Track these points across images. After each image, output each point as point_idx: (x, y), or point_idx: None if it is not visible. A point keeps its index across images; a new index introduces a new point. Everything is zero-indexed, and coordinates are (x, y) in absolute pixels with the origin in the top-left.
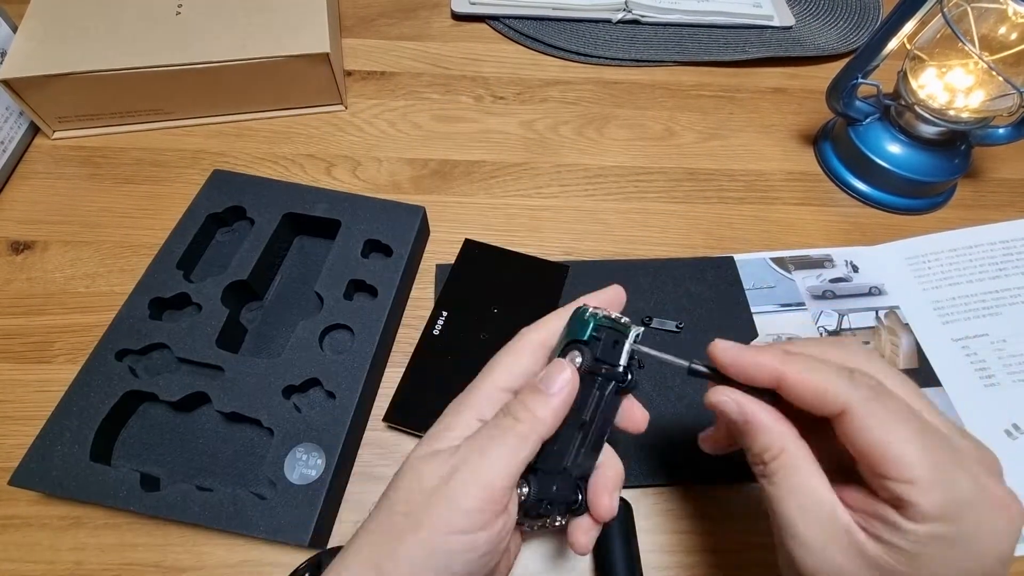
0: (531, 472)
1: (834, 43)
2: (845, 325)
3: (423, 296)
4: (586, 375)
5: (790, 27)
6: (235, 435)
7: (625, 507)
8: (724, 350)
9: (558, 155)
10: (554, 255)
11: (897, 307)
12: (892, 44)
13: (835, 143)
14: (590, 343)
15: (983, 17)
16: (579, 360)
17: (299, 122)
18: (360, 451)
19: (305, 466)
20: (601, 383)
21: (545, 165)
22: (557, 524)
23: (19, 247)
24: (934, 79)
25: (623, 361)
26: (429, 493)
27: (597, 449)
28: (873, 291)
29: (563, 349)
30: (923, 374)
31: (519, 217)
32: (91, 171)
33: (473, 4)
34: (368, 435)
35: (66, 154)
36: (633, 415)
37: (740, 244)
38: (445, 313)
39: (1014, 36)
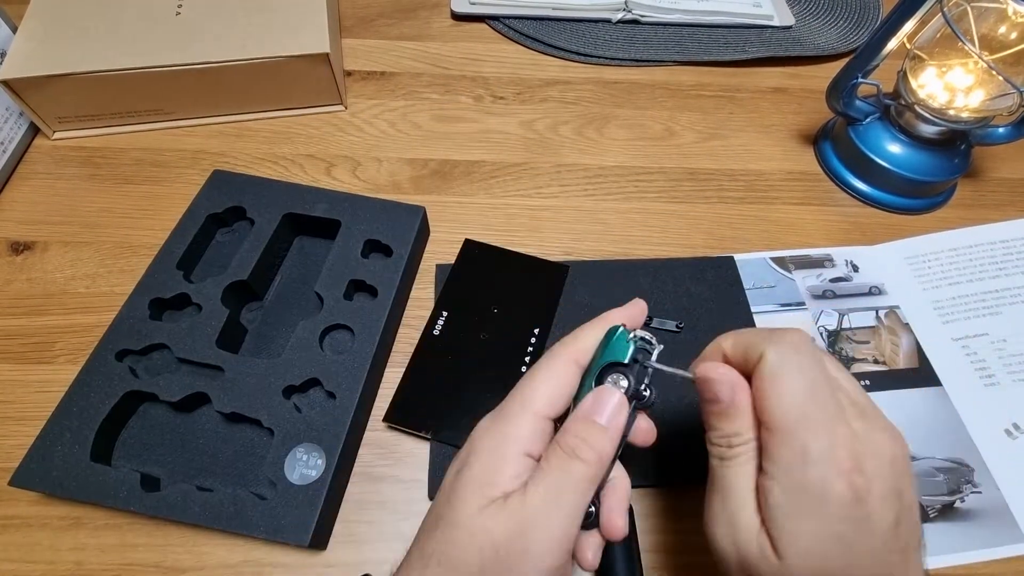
0: None
1: (834, 43)
2: (845, 325)
3: (423, 296)
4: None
5: (790, 27)
6: (235, 435)
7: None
8: (701, 369)
9: (558, 155)
10: (554, 255)
11: (897, 307)
12: (892, 44)
13: (835, 143)
14: (630, 366)
15: (983, 16)
16: (623, 384)
17: (299, 122)
18: (360, 451)
19: (305, 466)
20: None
21: (545, 165)
22: None
23: (19, 247)
24: (934, 79)
25: (647, 380)
26: (505, 552)
27: (612, 465)
28: (873, 291)
29: (601, 371)
30: (923, 374)
31: (519, 217)
32: (91, 171)
33: (473, 4)
34: (368, 435)
35: (66, 154)
36: (642, 429)
37: (740, 244)
38: (445, 313)
39: (1014, 35)
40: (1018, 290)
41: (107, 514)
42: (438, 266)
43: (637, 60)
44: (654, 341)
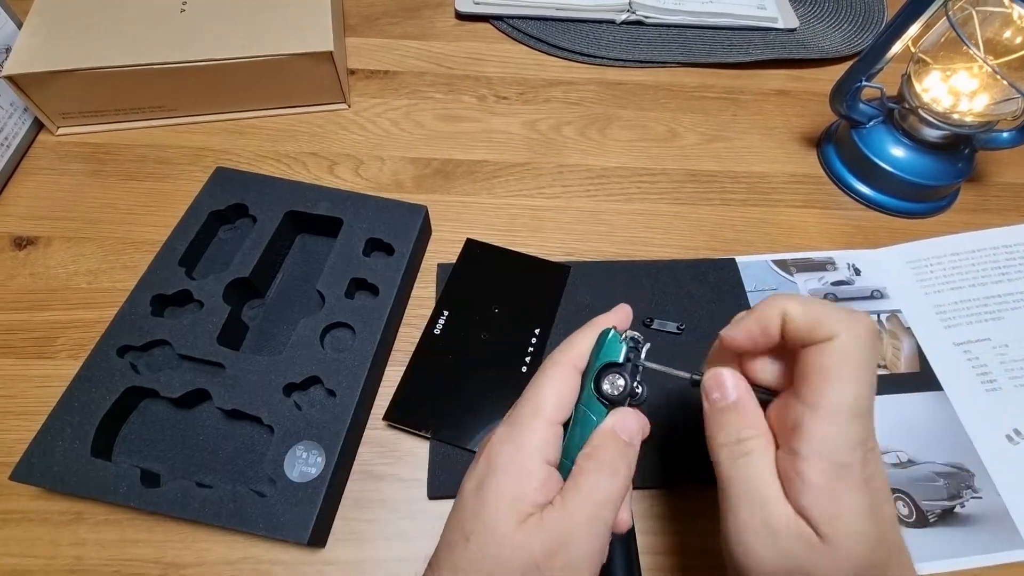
0: None
1: (838, 46)
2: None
3: (424, 295)
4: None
5: (794, 29)
6: (235, 432)
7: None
8: (733, 335)
9: (561, 155)
10: (556, 255)
11: (899, 311)
12: (896, 47)
13: (838, 146)
14: (624, 365)
15: (988, 20)
16: (621, 383)
17: (302, 120)
18: (360, 449)
19: (305, 464)
20: (625, 400)
21: (548, 165)
22: None
23: (22, 243)
24: (938, 82)
25: (638, 377)
26: (547, 567)
27: None
28: (875, 294)
29: (599, 372)
30: (924, 378)
31: (521, 217)
32: (95, 167)
33: (477, 4)
34: (368, 433)
35: (70, 150)
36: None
37: (742, 246)
38: (446, 312)
39: (1019, 40)
40: (1020, 295)
41: (107, 509)
42: (440, 265)
43: (641, 61)
44: (642, 339)
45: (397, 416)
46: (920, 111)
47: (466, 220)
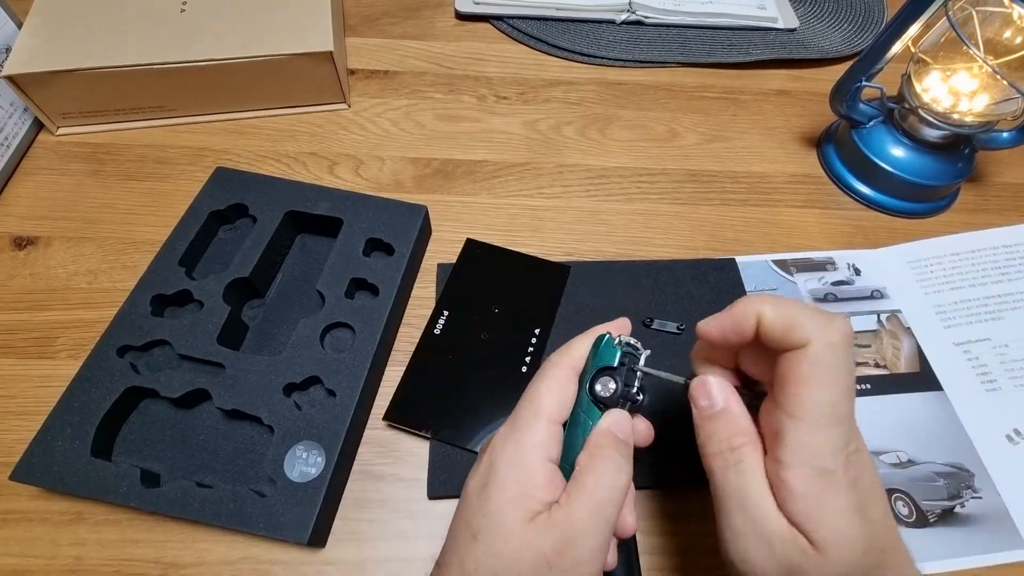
0: None
1: (838, 46)
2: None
3: (424, 295)
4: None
5: (794, 29)
6: (235, 432)
7: None
8: (707, 327)
9: (561, 155)
10: (556, 255)
11: (899, 311)
12: (896, 47)
13: (838, 146)
14: (619, 369)
15: (988, 20)
16: (612, 386)
17: (302, 120)
18: (360, 449)
19: (305, 464)
20: (620, 402)
21: (548, 165)
22: None
23: (22, 243)
24: (938, 82)
25: (637, 383)
26: (557, 563)
27: None
28: (875, 294)
29: (594, 375)
30: (924, 378)
31: (521, 217)
32: (95, 167)
33: (477, 4)
34: (368, 433)
35: (70, 150)
36: (639, 431)
37: (742, 246)
38: (446, 312)
39: (1019, 40)
40: (1020, 295)
41: (107, 509)
42: (440, 265)
43: (641, 61)
44: (640, 346)
45: (397, 416)
46: (920, 111)
47: (466, 220)
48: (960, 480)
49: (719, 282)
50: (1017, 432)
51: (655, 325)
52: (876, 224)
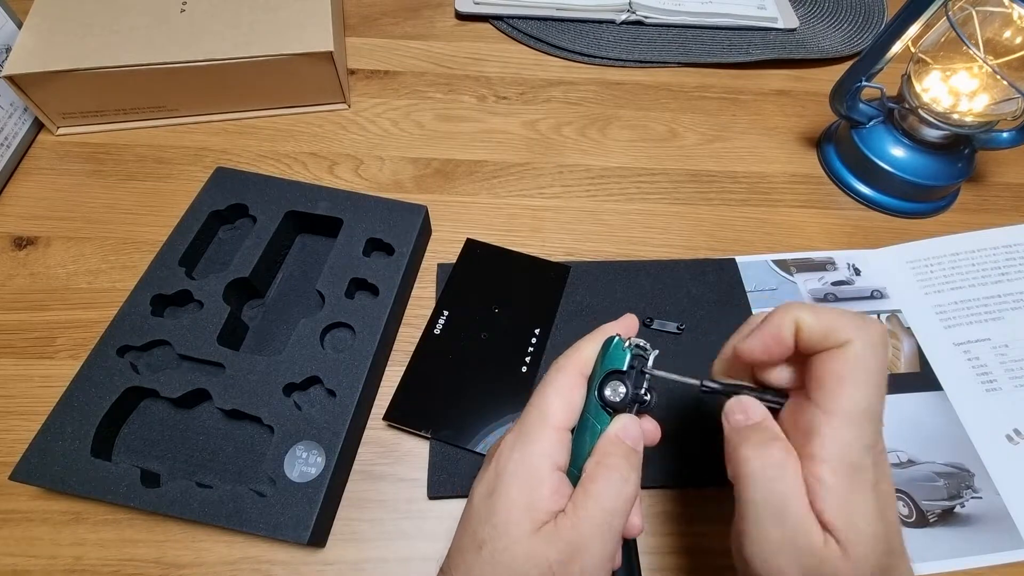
0: None
1: (838, 46)
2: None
3: (424, 295)
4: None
5: (794, 29)
6: (235, 432)
7: None
8: (750, 349)
9: (561, 155)
10: (556, 255)
11: (899, 311)
12: (896, 47)
13: (838, 146)
14: (628, 372)
15: (988, 20)
16: (622, 391)
17: (302, 120)
18: (360, 449)
19: (305, 464)
20: (629, 406)
21: (547, 165)
22: None
23: (22, 243)
24: (938, 82)
25: (646, 384)
26: (563, 573)
27: None
28: (875, 294)
29: (603, 380)
30: (924, 378)
31: (521, 217)
32: (94, 167)
33: (477, 4)
34: (368, 433)
35: (70, 150)
36: (647, 430)
37: (742, 246)
38: (446, 312)
39: (1019, 40)
40: (1020, 295)
41: (107, 509)
42: (439, 265)
43: (641, 61)
44: (649, 347)
45: (397, 416)
46: (920, 111)
47: (466, 220)
48: (960, 480)
49: (719, 282)
50: (1017, 432)
51: (655, 325)
52: (876, 224)
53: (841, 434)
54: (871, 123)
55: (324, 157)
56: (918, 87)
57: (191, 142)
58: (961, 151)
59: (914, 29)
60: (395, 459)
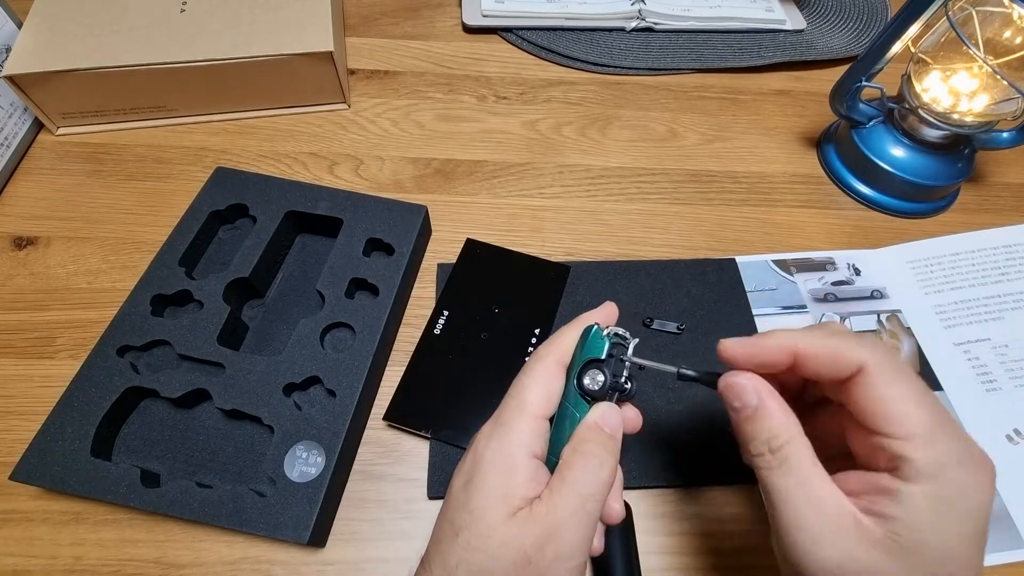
0: None
1: (847, 45)
2: (847, 328)
3: (424, 295)
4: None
5: (802, 30)
6: (235, 432)
7: (625, 509)
8: (732, 346)
9: (561, 155)
10: (556, 255)
11: (899, 311)
12: (896, 47)
13: (838, 146)
14: (607, 361)
15: (988, 20)
16: (600, 379)
17: (302, 120)
18: (360, 449)
19: (305, 464)
20: (609, 394)
21: (547, 165)
22: None
23: (22, 243)
24: (938, 82)
25: (626, 372)
26: (538, 558)
27: None
28: (875, 294)
29: (581, 368)
30: (924, 378)
31: (521, 217)
32: (94, 167)
33: (486, 16)
34: (368, 433)
35: (70, 150)
36: (628, 418)
37: (742, 246)
38: (446, 312)
39: (1019, 40)
40: (1020, 295)
41: (107, 509)
42: (439, 265)
43: (655, 69)
44: (628, 336)
45: (397, 416)
46: (920, 111)
47: (466, 220)
48: None
49: (719, 282)
50: (1017, 432)
51: (655, 325)
52: (876, 224)
53: (926, 454)
54: (871, 123)
55: (324, 157)
56: (918, 87)
57: (191, 142)
58: (961, 151)
59: (914, 29)
60: (395, 459)
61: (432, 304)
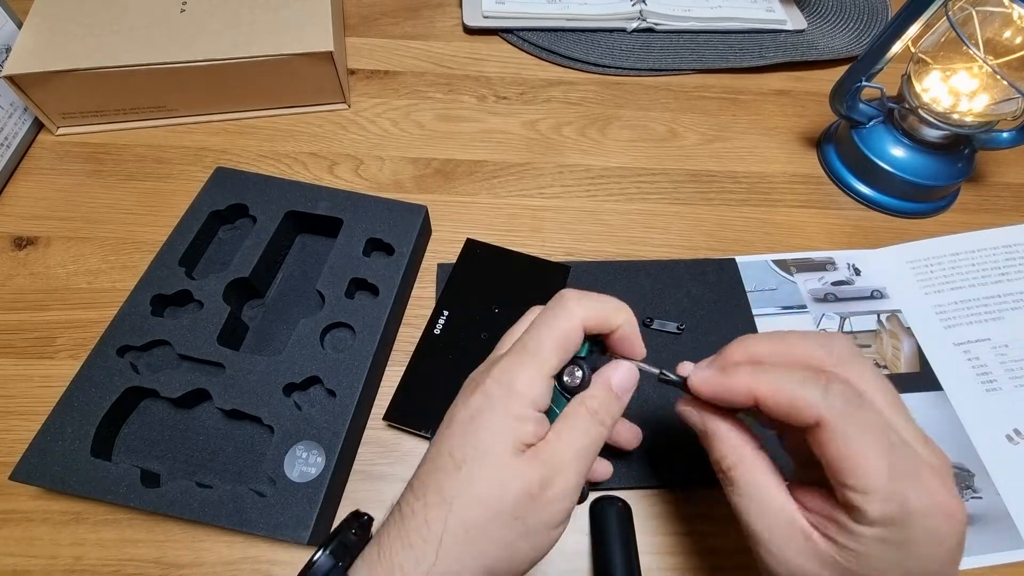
0: None
1: (847, 45)
2: (847, 328)
3: (424, 295)
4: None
5: (803, 30)
6: (235, 432)
7: (624, 509)
8: (700, 383)
9: (560, 155)
10: (556, 255)
11: (899, 311)
12: (896, 47)
13: (838, 146)
14: (587, 358)
15: (988, 20)
16: (578, 374)
17: (302, 120)
18: (360, 449)
19: (305, 464)
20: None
21: (547, 165)
22: None
23: (22, 243)
24: (938, 82)
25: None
26: (539, 495)
27: None
28: (875, 294)
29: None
30: (924, 378)
31: (521, 217)
32: (94, 167)
33: (487, 17)
34: (368, 433)
35: (70, 150)
36: (625, 436)
37: (742, 246)
38: (446, 312)
39: (1019, 40)
40: (1020, 295)
41: (107, 509)
42: (439, 265)
43: (656, 70)
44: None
45: (397, 416)
46: (920, 111)
47: (466, 220)
48: (960, 480)
49: (719, 282)
50: (1017, 432)
51: (655, 325)
52: (876, 224)
53: (885, 508)
54: (871, 123)
55: (324, 157)
56: (918, 87)
57: (191, 142)
58: (961, 151)
59: (914, 29)
60: (395, 459)
61: (432, 304)
